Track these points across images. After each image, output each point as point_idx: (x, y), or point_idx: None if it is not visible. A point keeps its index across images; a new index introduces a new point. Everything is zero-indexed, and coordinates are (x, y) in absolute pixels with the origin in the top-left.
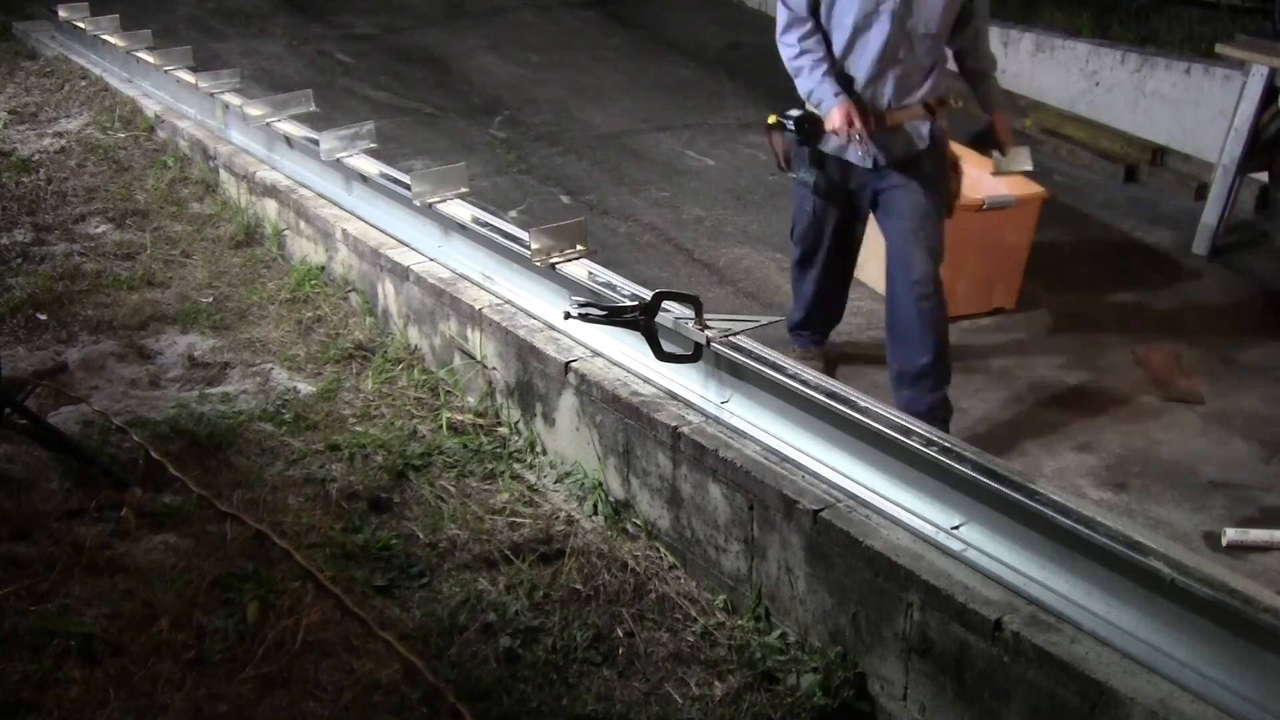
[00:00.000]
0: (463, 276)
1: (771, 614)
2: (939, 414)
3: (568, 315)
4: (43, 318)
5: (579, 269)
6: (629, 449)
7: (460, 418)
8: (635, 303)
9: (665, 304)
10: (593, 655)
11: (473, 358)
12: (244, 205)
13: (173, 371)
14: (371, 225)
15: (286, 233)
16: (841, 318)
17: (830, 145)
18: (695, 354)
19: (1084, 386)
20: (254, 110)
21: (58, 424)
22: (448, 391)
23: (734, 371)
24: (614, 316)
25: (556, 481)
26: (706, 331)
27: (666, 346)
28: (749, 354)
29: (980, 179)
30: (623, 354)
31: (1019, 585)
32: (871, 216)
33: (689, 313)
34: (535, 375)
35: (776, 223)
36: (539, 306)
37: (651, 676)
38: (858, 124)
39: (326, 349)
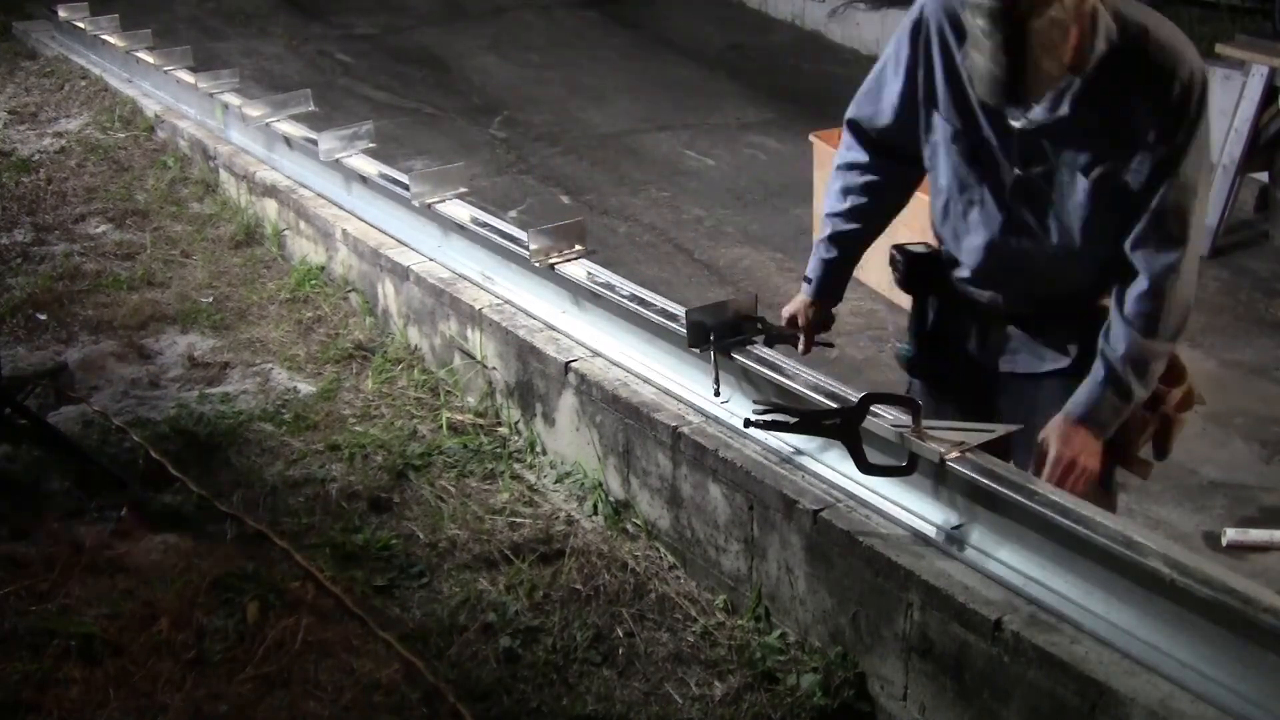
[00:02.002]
0: (462, 276)
1: (771, 614)
2: None
3: (748, 423)
4: (43, 318)
5: (579, 269)
6: (629, 449)
7: (460, 418)
8: (836, 407)
9: (875, 408)
10: (593, 655)
11: (473, 358)
12: (244, 205)
13: (173, 371)
14: (371, 225)
15: (286, 233)
16: None
17: None
18: (910, 466)
19: None
20: (254, 110)
21: (58, 424)
22: (448, 391)
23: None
24: (807, 426)
25: (556, 481)
26: (932, 444)
27: (872, 457)
28: (989, 474)
29: None
30: (623, 354)
31: (1019, 585)
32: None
33: (905, 419)
34: (535, 375)
35: (776, 223)
36: (539, 306)
37: (651, 676)
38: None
39: (326, 349)
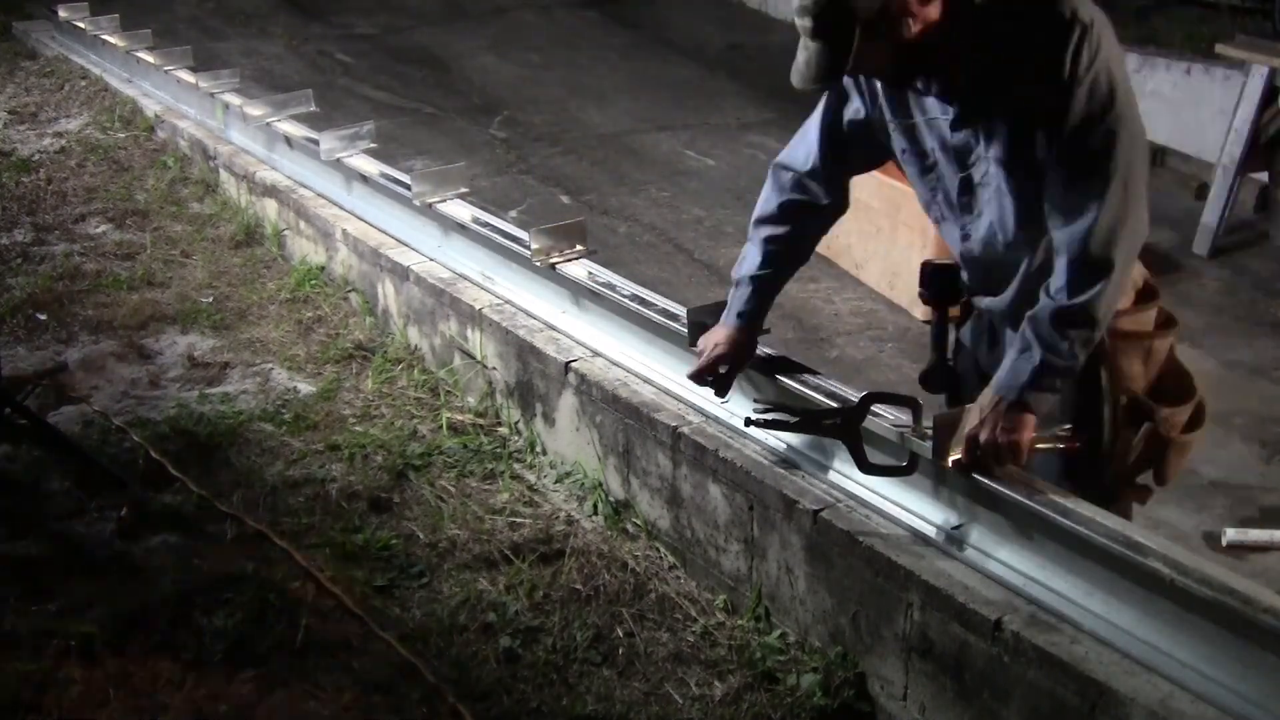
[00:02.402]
0: (463, 276)
1: (771, 614)
2: None
3: (748, 422)
4: (43, 318)
5: (579, 269)
6: (629, 449)
7: (460, 418)
8: (837, 406)
9: (876, 408)
10: (593, 655)
11: (473, 358)
12: (244, 205)
13: (173, 371)
14: (371, 225)
15: (286, 233)
16: None
17: None
18: (910, 466)
19: None
20: (254, 110)
21: (58, 424)
22: (448, 391)
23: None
24: (808, 425)
25: (556, 481)
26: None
27: (873, 457)
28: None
29: None
30: (623, 354)
31: (1019, 585)
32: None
33: (905, 419)
34: (535, 375)
35: None
36: (539, 306)
37: (651, 676)
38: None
39: (326, 349)
